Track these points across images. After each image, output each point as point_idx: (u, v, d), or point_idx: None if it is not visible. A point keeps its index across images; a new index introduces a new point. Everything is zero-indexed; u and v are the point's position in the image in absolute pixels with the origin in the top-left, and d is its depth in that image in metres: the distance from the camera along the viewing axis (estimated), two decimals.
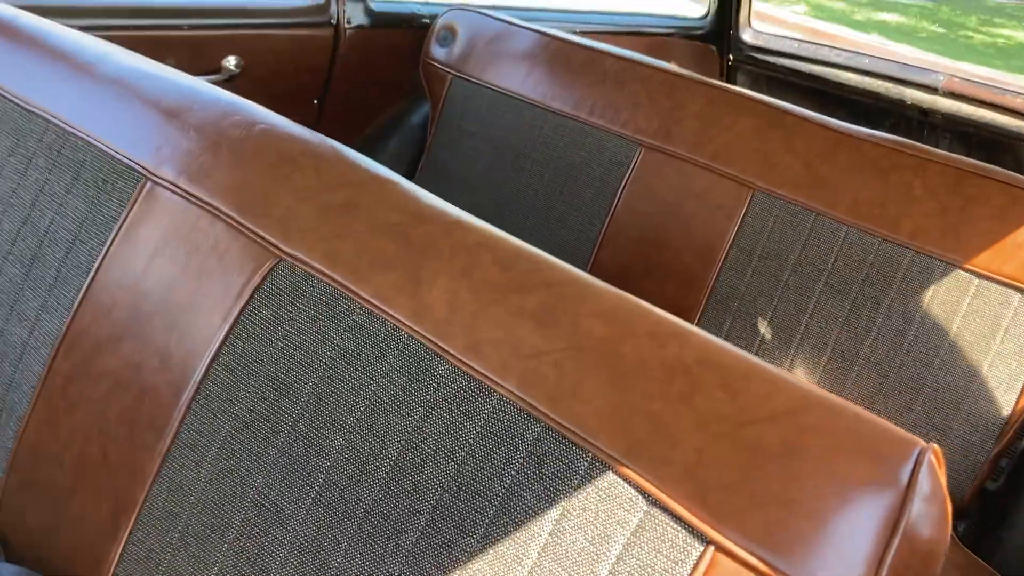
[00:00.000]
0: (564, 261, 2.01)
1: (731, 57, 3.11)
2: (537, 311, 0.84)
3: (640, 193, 1.85)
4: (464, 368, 0.83)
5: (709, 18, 3.08)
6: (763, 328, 1.71)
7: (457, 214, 0.95)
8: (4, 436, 1.09)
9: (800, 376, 1.67)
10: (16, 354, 1.11)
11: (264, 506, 0.88)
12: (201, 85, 1.19)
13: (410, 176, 2.24)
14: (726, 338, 1.74)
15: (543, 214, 1.97)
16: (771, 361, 1.70)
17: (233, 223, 0.99)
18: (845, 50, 2.93)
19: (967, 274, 1.54)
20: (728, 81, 3.15)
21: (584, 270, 1.90)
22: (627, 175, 1.87)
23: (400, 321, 0.87)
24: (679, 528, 0.70)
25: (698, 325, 1.77)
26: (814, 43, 2.98)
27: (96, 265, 1.06)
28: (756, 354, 1.72)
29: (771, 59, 3.02)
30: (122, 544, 0.96)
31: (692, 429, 0.73)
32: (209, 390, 0.94)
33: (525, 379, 0.80)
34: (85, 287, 1.06)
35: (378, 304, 0.88)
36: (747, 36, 3.07)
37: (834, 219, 1.64)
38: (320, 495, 0.86)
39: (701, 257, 1.77)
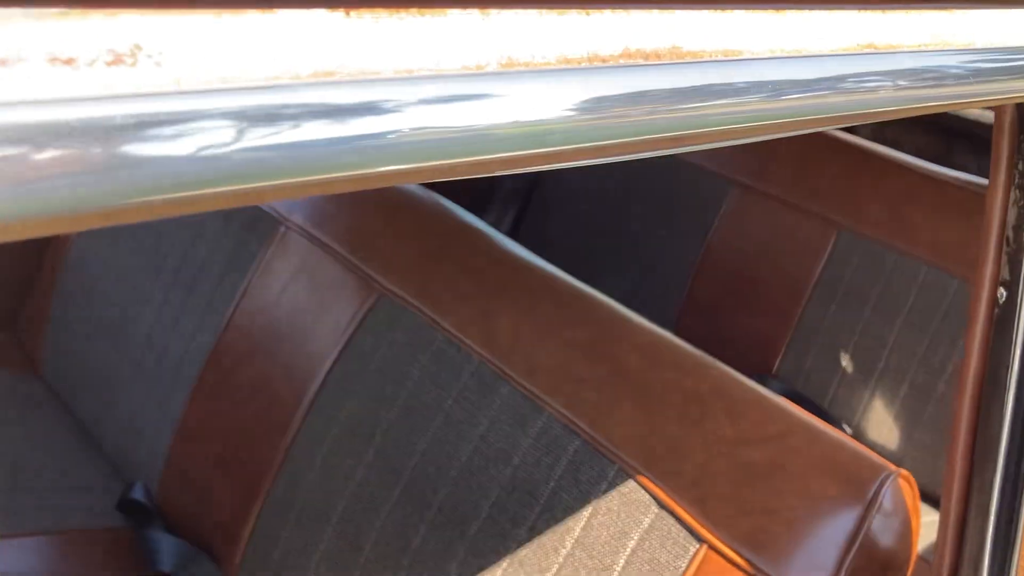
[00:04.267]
0: (659, 292, 2.13)
1: None
2: (585, 344, 1.00)
3: (733, 229, 1.97)
4: (522, 389, 1.00)
5: None
6: (845, 362, 1.80)
7: (528, 259, 1.13)
8: (163, 434, 1.34)
9: (879, 408, 1.75)
10: (175, 366, 1.36)
11: (361, 496, 1.08)
12: None
13: (524, 207, 2.43)
14: (810, 371, 1.84)
15: (642, 246, 2.11)
16: (852, 393, 1.79)
17: (346, 262, 1.20)
18: None
19: None
20: None
21: (679, 302, 2.03)
22: (721, 211, 1.99)
23: (473, 348, 1.05)
24: (681, 528, 0.85)
25: (784, 357, 1.88)
26: None
27: (240, 293, 1.30)
28: (838, 386, 1.81)
29: None
30: (251, 525, 1.18)
31: (699, 448, 0.87)
32: (323, 400, 1.15)
33: (570, 401, 0.96)
34: (231, 311, 1.30)
35: (456, 333, 1.07)
36: None
37: (915, 259, 1.72)
38: (405, 488, 1.05)
39: (789, 292, 1.87)
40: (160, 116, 0.22)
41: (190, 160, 0.23)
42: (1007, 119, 0.65)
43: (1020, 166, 0.66)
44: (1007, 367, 0.68)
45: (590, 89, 0.32)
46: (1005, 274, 0.68)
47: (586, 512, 0.91)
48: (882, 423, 1.75)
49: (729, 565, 0.81)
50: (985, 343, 0.69)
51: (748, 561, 0.80)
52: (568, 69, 0.31)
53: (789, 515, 0.80)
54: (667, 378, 0.94)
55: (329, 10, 0.26)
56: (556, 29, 0.31)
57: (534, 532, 0.94)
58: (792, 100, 0.38)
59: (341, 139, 0.27)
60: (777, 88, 0.37)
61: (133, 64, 0.22)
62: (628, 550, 0.87)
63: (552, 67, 0.31)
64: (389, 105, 0.27)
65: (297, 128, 0.25)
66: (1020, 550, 0.69)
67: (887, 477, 0.80)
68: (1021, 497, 0.68)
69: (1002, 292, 0.67)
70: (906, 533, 0.80)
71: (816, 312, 1.83)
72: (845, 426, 1.78)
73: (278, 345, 1.22)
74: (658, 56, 0.32)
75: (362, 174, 0.28)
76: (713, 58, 0.34)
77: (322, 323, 1.18)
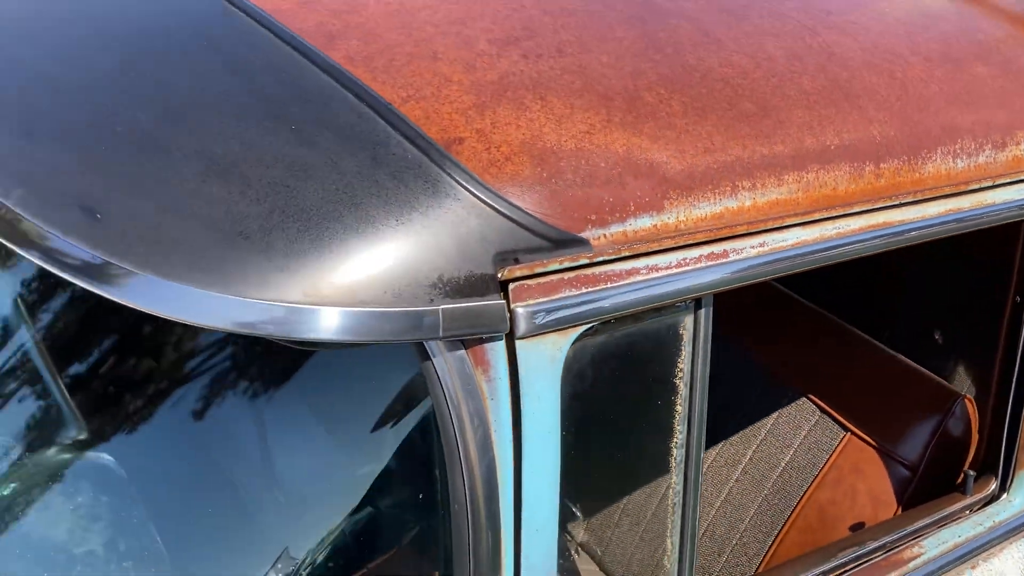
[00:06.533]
0: None
1: None
2: (804, 338, 1.62)
3: None
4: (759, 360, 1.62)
5: None
6: (937, 335, 2.37)
7: (789, 295, 1.74)
8: None
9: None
10: None
11: None
12: None
13: None
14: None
15: None
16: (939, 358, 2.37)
17: None
18: None
19: None
20: None
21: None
22: None
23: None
24: (834, 425, 1.47)
25: (896, 330, 2.46)
26: None
27: None
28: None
29: None
30: None
31: (849, 380, 1.49)
32: None
33: (779, 365, 1.59)
34: None
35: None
36: None
37: None
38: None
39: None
40: None
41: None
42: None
43: None
44: (1019, 335, 1.27)
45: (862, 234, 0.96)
46: (1020, 286, 1.26)
47: (773, 415, 1.54)
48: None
49: (864, 444, 1.43)
50: (1010, 322, 1.28)
51: (876, 442, 1.42)
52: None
53: (904, 418, 1.42)
54: (837, 348, 1.56)
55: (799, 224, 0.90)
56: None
57: (742, 425, 1.58)
58: (920, 232, 1.02)
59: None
60: (917, 225, 1.01)
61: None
62: (801, 436, 1.50)
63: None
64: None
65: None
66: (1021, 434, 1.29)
67: (958, 398, 1.41)
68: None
69: (1018, 298, 1.25)
70: (968, 430, 1.41)
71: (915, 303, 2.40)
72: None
73: None
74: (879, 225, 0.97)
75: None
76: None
77: None
